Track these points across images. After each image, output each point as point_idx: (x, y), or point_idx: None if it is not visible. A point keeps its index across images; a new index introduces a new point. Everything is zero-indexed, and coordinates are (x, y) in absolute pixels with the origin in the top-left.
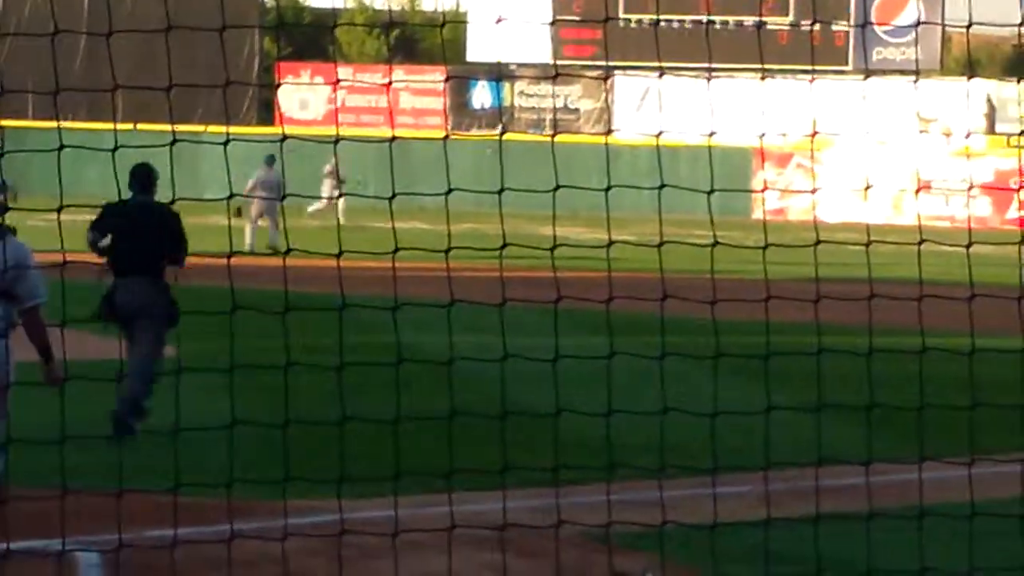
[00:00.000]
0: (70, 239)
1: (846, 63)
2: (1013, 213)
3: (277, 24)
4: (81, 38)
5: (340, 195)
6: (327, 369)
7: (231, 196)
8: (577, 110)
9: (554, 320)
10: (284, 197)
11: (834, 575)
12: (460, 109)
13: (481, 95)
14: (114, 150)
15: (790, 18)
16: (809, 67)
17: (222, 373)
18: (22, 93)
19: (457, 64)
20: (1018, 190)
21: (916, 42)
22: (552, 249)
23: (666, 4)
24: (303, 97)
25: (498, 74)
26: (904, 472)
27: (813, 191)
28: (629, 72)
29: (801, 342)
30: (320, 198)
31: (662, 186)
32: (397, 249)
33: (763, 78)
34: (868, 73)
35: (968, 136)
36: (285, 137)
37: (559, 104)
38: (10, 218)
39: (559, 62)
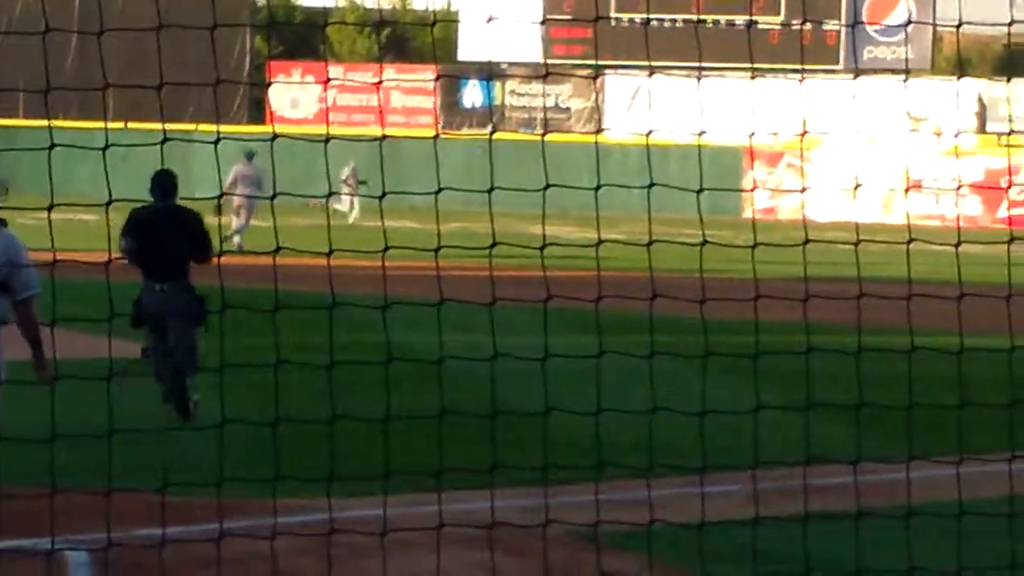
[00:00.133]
0: (60, 238)
1: (837, 62)
2: (1003, 212)
3: (268, 23)
4: (72, 37)
5: (355, 193)
6: (317, 368)
7: (221, 195)
8: (568, 109)
9: (544, 319)
10: (275, 196)
11: (823, 574)
12: (451, 108)
13: (472, 94)
14: (105, 148)
15: (781, 17)
16: (800, 66)
17: (212, 372)
18: (13, 92)
19: (448, 63)
20: (1007, 189)
21: (907, 41)
22: (542, 248)
23: (657, 3)
24: (294, 96)
25: (489, 73)
26: (893, 471)
27: (802, 190)
28: (620, 71)
29: (790, 341)
30: (339, 196)
31: (651, 185)
32: (387, 248)
33: (753, 77)
34: (858, 72)
35: (958, 135)
36: (275, 136)
37: (550, 103)
38: (0, 213)
39: (550, 61)
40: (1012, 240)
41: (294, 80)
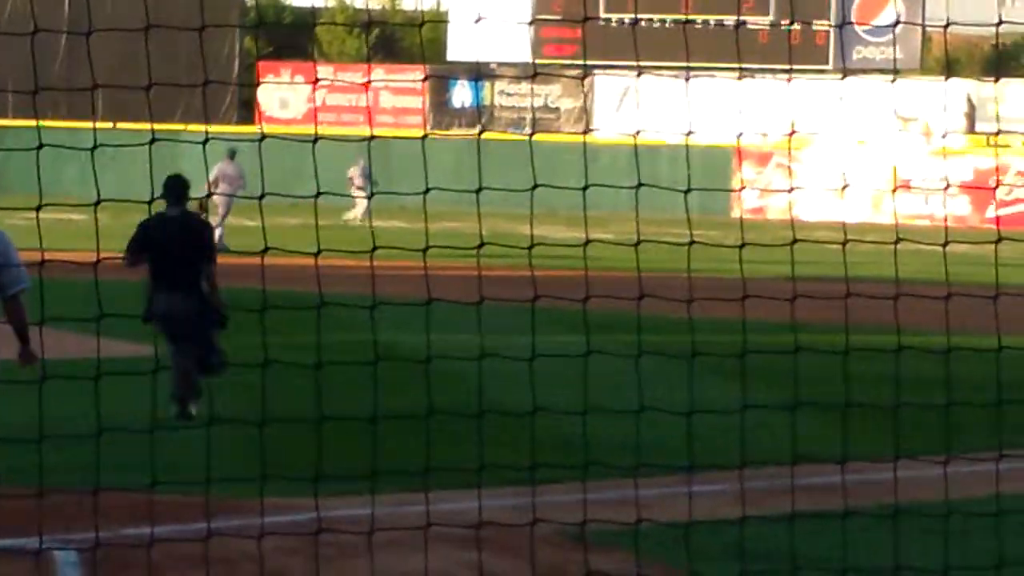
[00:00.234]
0: (49, 237)
1: (826, 62)
2: (992, 212)
3: (257, 23)
4: (62, 37)
5: (372, 195)
6: (305, 367)
7: (208, 195)
8: (557, 109)
9: (532, 319)
10: (263, 196)
11: (809, 573)
12: (440, 108)
13: (461, 94)
14: (93, 149)
15: (770, 17)
16: (789, 66)
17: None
18: (2, 92)
19: (437, 63)
20: (995, 188)
21: (894, 42)
22: (530, 248)
23: (646, 3)
24: (283, 96)
25: (478, 73)
26: (880, 470)
27: (790, 190)
28: (609, 71)
29: (778, 341)
30: (352, 197)
31: (640, 185)
32: (375, 248)
33: (740, 77)
34: (846, 72)
35: (945, 136)
36: (264, 136)
37: (539, 103)
38: None
39: (539, 61)
40: (1000, 240)
41: (283, 80)
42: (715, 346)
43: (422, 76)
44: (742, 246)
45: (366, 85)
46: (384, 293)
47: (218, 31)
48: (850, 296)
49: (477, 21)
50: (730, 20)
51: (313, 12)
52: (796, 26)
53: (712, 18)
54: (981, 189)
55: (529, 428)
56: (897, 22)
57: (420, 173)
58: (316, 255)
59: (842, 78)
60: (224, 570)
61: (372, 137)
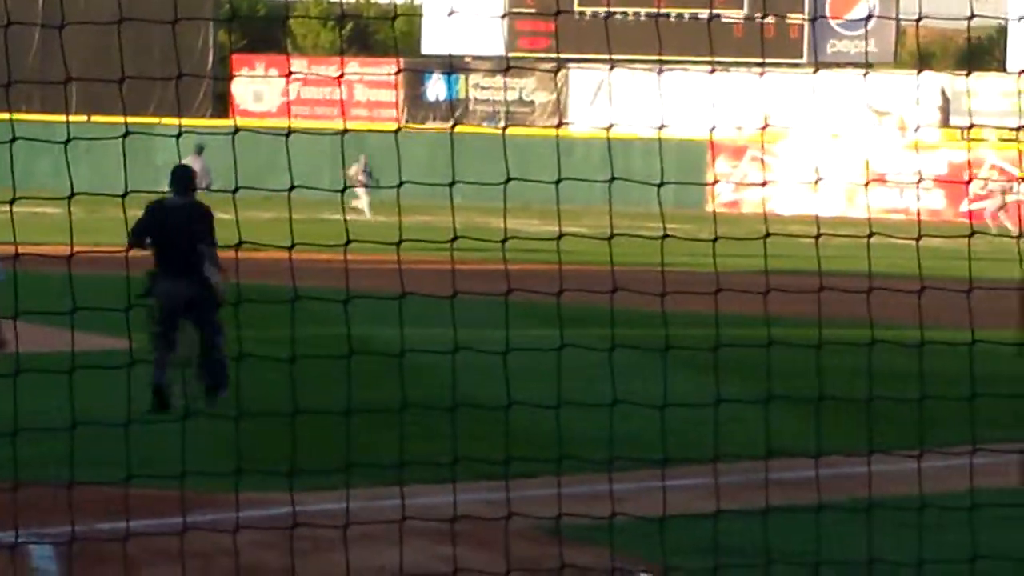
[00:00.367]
0: (23, 231)
1: (800, 56)
2: (967, 206)
3: (231, 16)
4: (35, 30)
5: (377, 185)
6: (279, 361)
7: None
8: (532, 103)
9: (505, 312)
10: (236, 190)
11: (783, 567)
12: (415, 102)
13: (436, 88)
14: (67, 142)
15: (744, 11)
16: (763, 60)
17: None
18: None
19: (412, 57)
20: (968, 182)
21: (866, 36)
22: (503, 241)
23: None
24: (257, 89)
25: (452, 67)
26: (854, 464)
27: (763, 184)
28: (583, 65)
29: (751, 335)
30: (355, 192)
31: (613, 179)
32: (349, 241)
33: (712, 71)
34: (818, 66)
35: (917, 129)
36: (237, 130)
37: (513, 97)
38: None
39: (513, 55)
40: (973, 234)
41: (257, 74)
42: (689, 340)
43: (396, 69)
44: (716, 240)
45: (339, 79)
46: (358, 287)
47: (192, 24)
48: (824, 290)
49: (451, 15)
50: (704, 14)
51: (287, 5)
52: (770, 20)
53: (686, 11)
54: (956, 183)
55: (503, 422)
56: (870, 16)
57: (394, 167)
58: (290, 249)
59: (815, 72)
60: (199, 564)
61: (345, 131)
